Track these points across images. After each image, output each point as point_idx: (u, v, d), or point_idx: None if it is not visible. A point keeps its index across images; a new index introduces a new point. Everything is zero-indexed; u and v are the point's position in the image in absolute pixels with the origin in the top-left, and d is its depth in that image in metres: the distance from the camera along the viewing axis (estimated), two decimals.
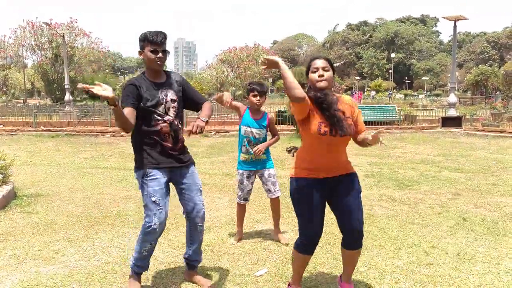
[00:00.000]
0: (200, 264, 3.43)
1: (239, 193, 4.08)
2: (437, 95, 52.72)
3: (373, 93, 52.62)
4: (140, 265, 3.09)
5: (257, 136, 3.95)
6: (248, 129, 3.94)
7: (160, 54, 2.89)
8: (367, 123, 13.96)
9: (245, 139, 3.96)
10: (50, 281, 3.26)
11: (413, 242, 4.05)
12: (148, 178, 2.91)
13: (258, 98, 3.89)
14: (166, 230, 4.16)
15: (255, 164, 4.00)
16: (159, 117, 2.94)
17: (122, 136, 14.05)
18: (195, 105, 3.15)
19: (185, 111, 3.27)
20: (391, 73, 69.28)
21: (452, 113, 16.27)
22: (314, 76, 2.69)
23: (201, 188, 3.16)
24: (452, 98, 16.75)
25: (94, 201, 5.72)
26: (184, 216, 3.18)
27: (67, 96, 19.70)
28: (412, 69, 80.00)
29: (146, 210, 2.94)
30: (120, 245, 4.03)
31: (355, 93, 47.78)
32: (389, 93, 50.55)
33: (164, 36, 2.90)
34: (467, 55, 78.23)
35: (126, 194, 6.07)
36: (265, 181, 4.05)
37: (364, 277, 3.30)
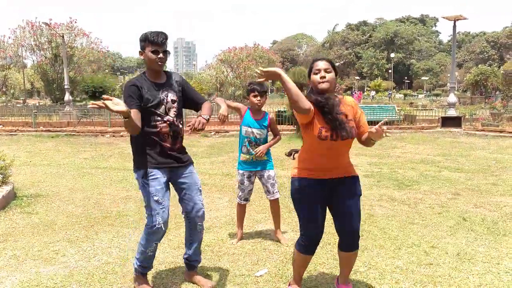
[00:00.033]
0: (200, 265, 3.43)
1: (240, 194, 4.08)
2: (437, 95, 52.74)
3: (373, 93, 52.61)
4: (145, 266, 3.11)
5: (258, 137, 3.95)
6: (249, 129, 3.94)
7: (161, 55, 2.89)
8: (367, 123, 13.93)
9: (246, 140, 3.96)
10: (50, 282, 3.26)
11: (413, 242, 4.05)
12: (149, 178, 2.91)
13: (258, 98, 3.89)
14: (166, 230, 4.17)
15: (255, 165, 4.00)
16: (159, 118, 2.94)
17: (121, 136, 14.05)
18: (195, 105, 3.15)
19: (185, 110, 3.28)
20: (391, 73, 69.24)
21: (452, 113, 16.28)
22: (316, 77, 2.69)
23: (200, 188, 3.16)
24: (452, 98, 16.75)
25: (94, 201, 5.72)
26: (183, 216, 3.18)
27: (67, 96, 19.68)
28: (411, 69, 80.00)
29: (149, 210, 2.94)
30: (120, 246, 4.03)
31: (355, 93, 47.75)
32: (389, 93, 50.56)
33: (165, 36, 2.90)
34: (466, 55, 78.24)
35: (126, 194, 6.07)
36: (264, 182, 4.05)
37: (364, 277, 3.30)
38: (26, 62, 39.13)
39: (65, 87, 20.03)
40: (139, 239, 3.11)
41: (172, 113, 2.99)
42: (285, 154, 3.05)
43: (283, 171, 7.29)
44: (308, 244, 2.82)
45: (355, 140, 2.80)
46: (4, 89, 41.23)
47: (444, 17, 16.64)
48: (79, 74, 28.36)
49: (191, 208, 3.10)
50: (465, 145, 11.72)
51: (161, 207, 2.91)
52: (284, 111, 15.59)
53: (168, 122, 2.97)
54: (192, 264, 3.28)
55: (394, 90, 61.14)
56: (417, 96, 55.92)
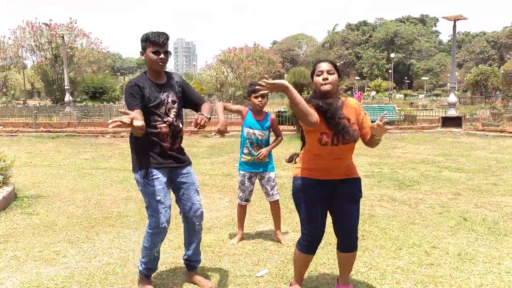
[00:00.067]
0: (201, 265, 3.43)
1: (240, 194, 4.08)
2: (437, 95, 52.73)
3: (373, 93, 52.61)
4: (150, 268, 3.12)
5: (259, 138, 3.94)
6: (251, 130, 3.94)
7: (162, 55, 2.89)
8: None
9: (247, 141, 3.95)
10: (51, 283, 3.26)
11: (414, 242, 4.04)
12: (151, 178, 2.92)
13: (259, 99, 3.89)
14: None
15: (256, 166, 3.99)
16: (159, 118, 2.94)
17: (122, 137, 14.05)
18: (195, 106, 3.16)
19: (185, 110, 3.28)
20: (391, 73, 69.27)
21: (452, 113, 16.28)
22: (318, 79, 2.68)
23: (198, 188, 3.18)
24: (452, 98, 16.75)
25: (95, 202, 5.72)
26: (181, 216, 3.19)
27: (67, 97, 19.69)
28: (411, 69, 79.98)
29: (150, 210, 2.94)
30: (121, 246, 4.03)
31: (355, 93, 47.76)
32: (389, 93, 50.55)
33: (166, 37, 2.90)
34: (466, 55, 78.23)
35: (127, 195, 6.07)
36: (264, 184, 4.05)
37: (365, 278, 3.30)
38: (26, 63, 39.20)
39: (65, 87, 20.04)
40: (140, 240, 3.11)
41: (172, 113, 2.99)
42: (286, 161, 3.02)
43: (283, 171, 7.29)
44: (308, 243, 2.83)
45: (358, 140, 2.79)
46: (4, 90, 41.28)
47: (444, 17, 16.64)
48: (79, 75, 28.37)
49: (189, 208, 3.10)
50: (466, 145, 11.72)
51: (163, 207, 2.92)
52: (285, 111, 15.60)
53: (168, 123, 2.97)
54: (192, 264, 3.28)
55: (394, 90, 61.14)
56: (417, 96, 55.92)
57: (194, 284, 3.22)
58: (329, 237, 3.94)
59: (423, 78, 71.15)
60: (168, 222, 2.97)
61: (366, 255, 3.73)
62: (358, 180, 2.86)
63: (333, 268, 3.45)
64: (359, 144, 2.86)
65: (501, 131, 14.11)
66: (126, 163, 8.70)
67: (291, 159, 3.05)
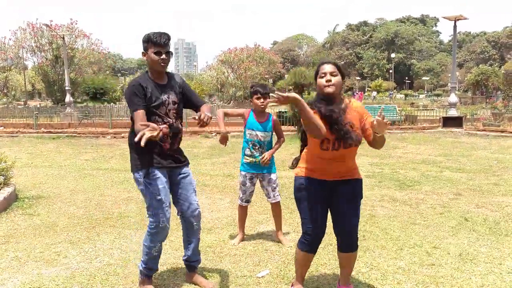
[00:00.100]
0: (202, 266, 3.43)
1: (241, 195, 4.08)
2: (438, 95, 52.72)
3: (374, 93, 52.61)
4: (151, 268, 3.12)
5: (262, 139, 3.94)
6: (253, 132, 3.93)
7: (163, 56, 2.89)
8: None
9: (250, 143, 3.95)
10: (52, 283, 3.26)
11: (415, 242, 4.04)
12: (151, 178, 2.93)
13: (261, 100, 3.88)
14: None
15: (258, 167, 3.98)
16: (159, 119, 2.95)
17: (122, 137, 14.05)
18: (194, 107, 3.16)
19: (185, 110, 3.29)
20: (392, 73, 69.29)
21: (453, 113, 16.26)
22: (321, 81, 2.67)
23: (195, 189, 3.19)
24: (453, 98, 16.73)
25: (96, 202, 5.72)
26: (179, 216, 3.19)
27: (68, 98, 19.69)
28: (412, 69, 80.00)
29: (151, 210, 2.96)
30: (122, 247, 4.03)
31: (356, 93, 47.75)
32: (390, 94, 50.55)
33: (167, 37, 2.90)
34: (467, 55, 78.23)
35: (128, 195, 6.07)
36: (265, 186, 4.04)
37: (366, 278, 3.29)
38: (27, 64, 39.24)
39: (66, 88, 20.05)
40: (141, 241, 3.11)
41: (172, 114, 3.00)
42: (289, 168, 3.03)
43: (284, 171, 7.29)
44: (309, 242, 2.84)
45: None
46: (5, 91, 41.32)
47: (444, 17, 16.63)
48: (80, 76, 28.40)
49: (186, 208, 3.11)
50: (467, 145, 11.71)
51: (164, 206, 2.94)
52: (285, 111, 15.59)
53: (168, 124, 2.97)
54: (192, 264, 3.28)
55: (395, 91, 61.14)
56: (418, 96, 55.90)
57: (195, 284, 3.22)
58: (330, 238, 3.93)
59: (423, 78, 71.13)
60: (168, 221, 2.99)
61: (367, 255, 3.73)
62: (359, 181, 2.87)
63: (334, 269, 3.45)
64: (360, 144, 2.86)
65: (502, 131, 14.09)
66: (127, 164, 8.67)
67: (293, 166, 3.05)
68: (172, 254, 3.81)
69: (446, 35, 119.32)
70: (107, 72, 35.35)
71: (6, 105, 27.74)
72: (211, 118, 2.93)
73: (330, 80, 2.64)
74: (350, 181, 2.82)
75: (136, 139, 2.41)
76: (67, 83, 20.01)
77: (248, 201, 4.10)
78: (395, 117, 16.92)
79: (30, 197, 5.95)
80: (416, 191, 6.18)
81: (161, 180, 2.95)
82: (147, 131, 2.44)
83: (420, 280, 3.24)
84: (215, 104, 26.59)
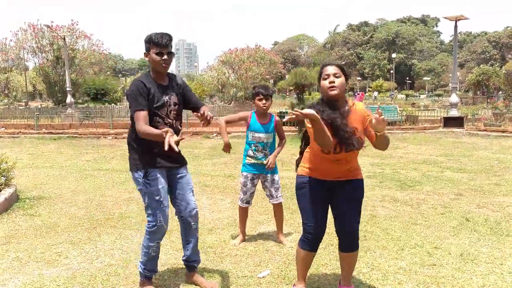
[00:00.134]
0: (203, 266, 3.43)
1: (242, 196, 4.07)
2: (439, 95, 52.69)
3: (375, 93, 52.58)
4: (150, 269, 3.13)
5: (265, 141, 3.94)
6: (256, 134, 3.93)
7: (165, 56, 2.89)
8: None
9: (253, 145, 3.95)
10: (53, 284, 3.26)
11: (416, 242, 4.04)
12: (150, 178, 2.94)
13: (264, 101, 3.88)
14: (168, 232, 4.15)
15: (261, 168, 3.98)
16: (160, 120, 2.95)
17: (123, 138, 14.06)
18: (193, 109, 3.16)
19: (186, 112, 3.30)
20: (393, 73, 69.23)
21: (454, 113, 16.25)
22: (325, 83, 2.67)
23: (193, 189, 3.20)
24: (454, 98, 16.72)
25: (97, 203, 5.72)
26: (177, 216, 3.20)
27: (69, 99, 19.71)
28: (413, 69, 79.96)
29: (149, 209, 2.98)
30: (122, 247, 4.03)
31: (357, 94, 47.73)
32: (391, 94, 50.54)
33: (169, 38, 2.90)
34: (468, 55, 78.17)
35: (129, 196, 6.07)
36: (268, 186, 4.04)
37: (367, 278, 3.29)
38: (28, 65, 39.31)
39: (67, 89, 20.06)
40: (141, 242, 3.12)
41: (172, 115, 3.01)
42: (296, 171, 3.07)
43: (284, 172, 7.29)
44: (310, 241, 2.85)
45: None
46: (6, 92, 41.35)
47: (445, 17, 16.63)
48: (81, 76, 28.40)
49: (184, 208, 3.12)
50: (468, 145, 11.70)
51: (162, 206, 2.96)
52: (286, 111, 15.59)
53: (168, 125, 2.97)
54: (191, 264, 3.28)
55: (396, 91, 61.10)
56: (419, 96, 55.87)
57: (195, 285, 3.22)
58: (331, 238, 3.94)
59: (424, 78, 71.12)
60: (166, 221, 3.01)
61: (368, 255, 3.73)
62: (360, 181, 2.87)
63: (335, 269, 3.45)
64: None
65: (503, 131, 14.08)
66: (128, 165, 8.70)
67: (297, 168, 3.05)
68: (173, 255, 3.81)
69: (447, 35, 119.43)
70: (108, 73, 35.38)
71: (7, 106, 27.73)
72: (212, 117, 2.94)
73: (333, 82, 2.64)
74: (351, 181, 2.82)
75: (166, 148, 2.54)
76: (68, 84, 20.03)
77: (248, 202, 4.10)
78: (396, 118, 16.91)
79: (31, 197, 5.95)
80: (417, 191, 6.17)
81: (160, 181, 2.96)
82: (171, 137, 2.56)
83: (421, 281, 3.23)
84: (216, 105, 26.60)
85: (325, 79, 2.67)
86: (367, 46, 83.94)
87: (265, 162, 3.94)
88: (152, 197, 2.94)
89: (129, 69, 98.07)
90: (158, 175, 2.96)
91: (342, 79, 2.67)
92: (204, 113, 2.82)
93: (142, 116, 2.78)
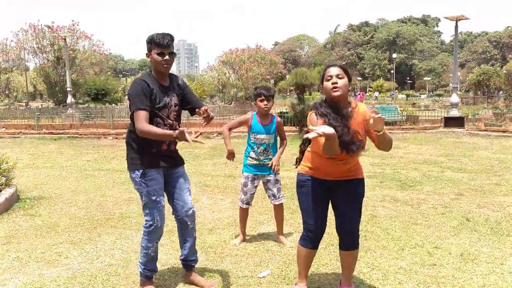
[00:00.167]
0: (203, 266, 3.43)
1: (242, 197, 4.07)
2: (439, 95, 52.70)
3: (376, 93, 52.59)
4: (150, 269, 3.13)
5: (267, 142, 3.94)
6: (258, 136, 3.92)
7: (166, 57, 2.88)
8: None
9: (255, 146, 3.95)
10: (53, 284, 3.27)
11: (416, 242, 4.04)
12: (148, 178, 2.95)
13: (265, 102, 3.87)
14: (169, 232, 4.18)
15: (262, 169, 3.98)
16: (161, 120, 2.95)
17: (124, 138, 14.06)
18: (193, 110, 3.16)
19: (186, 112, 3.30)
20: (393, 73, 69.21)
21: (455, 113, 16.24)
22: (328, 84, 2.66)
23: (190, 188, 3.20)
24: (454, 98, 16.72)
25: (97, 203, 5.73)
26: (174, 216, 3.21)
27: (69, 99, 19.74)
28: (414, 69, 79.95)
29: (146, 209, 2.99)
30: (123, 247, 4.03)
31: (358, 94, 47.72)
32: (392, 94, 50.54)
33: (170, 38, 2.89)
34: (469, 55, 78.14)
35: (129, 196, 6.08)
36: (270, 187, 4.03)
37: (367, 278, 3.29)
38: (29, 65, 39.38)
39: (68, 89, 20.09)
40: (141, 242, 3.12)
41: (172, 116, 3.02)
42: (295, 166, 3.06)
43: (284, 172, 7.28)
44: (311, 239, 2.86)
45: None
46: (7, 92, 41.39)
47: (446, 17, 16.62)
48: (82, 77, 28.45)
49: (181, 207, 3.12)
50: (468, 145, 11.69)
51: (159, 206, 2.98)
52: (287, 112, 15.59)
53: (168, 126, 2.98)
54: (189, 264, 3.28)
55: (396, 91, 61.10)
56: (420, 96, 55.88)
57: (193, 284, 3.22)
58: (331, 238, 3.94)
59: (425, 78, 71.12)
60: (163, 221, 3.03)
61: (369, 255, 3.73)
62: (361, 181, 2.87)
63: (335, 269, 3.45)
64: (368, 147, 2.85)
65: (504, 131, 14.07)
66: None
67: (297, 165, 3.06)
68: (173, 255, 3.81)
69: (447, 35, 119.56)
70: (109, 73, 35.45)
71: (8, 106, 27.76)
72: (213, 117, 2.95)
73: (336, 83, 2.63)
74: (352, 181, 2.83)
75: (191, 143, 2.64)
76: (68, 84, 20.06)
77: (248, 203, 4.09)
78: (396, 118, 16.91)
79: (31, 197, 5.96)
80: (418, 191, 6.17)
81: (157, 181, 2.97)
82: (189, 135, 2.63)
83: (421, 280, 3.23)
84: (217, 105, 26.60)
85: (328, 80, 2.66)
86: (367, 46, 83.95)
87: (268, 163, 3.94)
88: (149, 197, 2.95)
89: (129, 69, 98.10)
90: (156, 175, 2.97)
91: (345, 80, 2.66)
92: (206, 109, 2.82)
93: (143, 115, 2.78)
